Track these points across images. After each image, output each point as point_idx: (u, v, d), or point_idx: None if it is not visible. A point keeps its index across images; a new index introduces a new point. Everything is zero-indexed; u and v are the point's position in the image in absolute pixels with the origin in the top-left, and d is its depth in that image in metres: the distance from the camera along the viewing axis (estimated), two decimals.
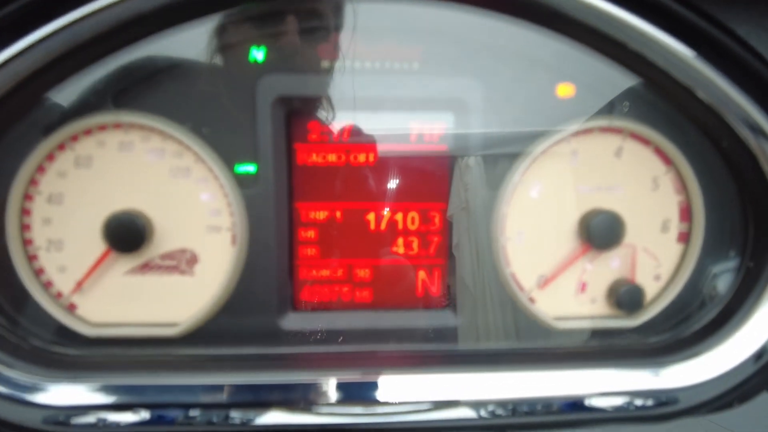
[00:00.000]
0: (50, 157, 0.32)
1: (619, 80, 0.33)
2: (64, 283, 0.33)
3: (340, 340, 0.35)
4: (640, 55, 0.30)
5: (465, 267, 0.35)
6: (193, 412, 0.32)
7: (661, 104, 0.34)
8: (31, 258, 0.33)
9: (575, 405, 0.35)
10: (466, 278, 0.35)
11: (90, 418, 0.32)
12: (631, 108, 0.35)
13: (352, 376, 0.32)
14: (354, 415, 0.33)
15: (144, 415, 0.32)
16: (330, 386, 0.32)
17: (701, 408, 0.36)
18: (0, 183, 0.32)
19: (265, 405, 0.33)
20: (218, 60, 0.32)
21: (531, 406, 0.33)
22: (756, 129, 0.30)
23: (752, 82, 0.31)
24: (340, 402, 0.32)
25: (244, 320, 0.34)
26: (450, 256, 0.35)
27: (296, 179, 0.33)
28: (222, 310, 0.34)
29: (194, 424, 0.32)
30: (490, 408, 0.34)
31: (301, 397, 0.32)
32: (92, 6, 0.27)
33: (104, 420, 0.32)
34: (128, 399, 0.32)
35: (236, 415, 0.32)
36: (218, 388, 0.32)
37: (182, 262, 0.33)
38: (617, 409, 0.34)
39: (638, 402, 0.34)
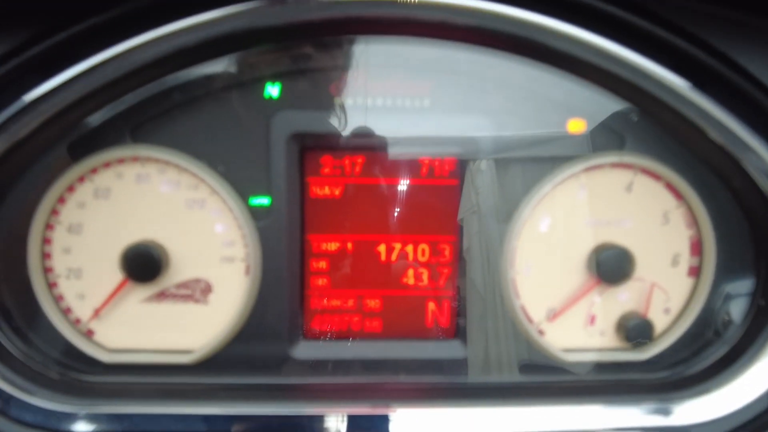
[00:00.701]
0: (71, 188, 0.33)
1: (631, 117, 0.34)
2: (82, 310, 0.34)
3: (347, 370, 0.35)
4: (649, 94, 0.30)
5: (474, 299, 0.36)
6: None
7: (672, 141, 0.34)
8: (51, 285, 0.34)
9: None
10: (476, 311, 0.35)
11: None
12: (639, 121, 0.35)
13: (362, 409, 0.32)
14: None
15: None
16: (339, 419, 0.32)
17: None
18: (23, 213, 0.33)
19: None
20: (234, 95, 0.33)
21: None
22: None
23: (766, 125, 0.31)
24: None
25: (257, 348, 0.35)
26: (458, 290, 0.36)
27: (308, 212, 0.34)
28: (235, 338, 0.34)
29: None
30: None
31: (311, 430, 0.33)
32: (121, 47, 0.28)
33: None
34: (143, 427, 0.33)
35: None
36: (229, 419, 0.32)
37: (197, 291, 0.34)
38: None
39: None
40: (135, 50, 0.28)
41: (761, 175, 0.31)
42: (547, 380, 0.36)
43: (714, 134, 0.31)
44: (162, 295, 0.34)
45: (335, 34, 0.32)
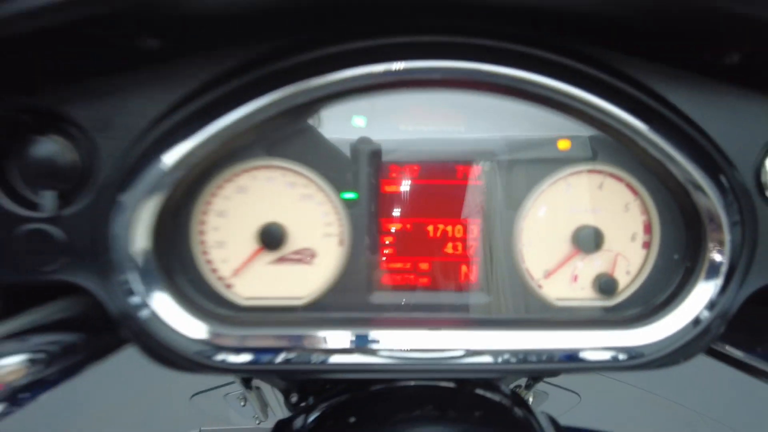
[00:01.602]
0: (220, 186, 0.47)
1: (602, 139, 0.48)
2: (225, 271, 0.48)
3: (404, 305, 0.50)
4: (614, 128, 0.44)
5: (493, 263, 0.50)
6: (312, 356, 0.48)
7: (630, 156, 0.48)
8: (204, 253, 0.48)
9: (571, 357, 0.48)
10: (494, 271, 0.50)
11: (244, 356, 0.46)
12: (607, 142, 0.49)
13: (417, 332, 0.47)
14: (417, 358, 0.47)
15: (283, 355, 0.47)
16: (401, 338, 0.47)
17: (659, 361, 0.50)
18: (189, 203, 0.47)
19: (355, 350, 0.47)
20: (332, 126, 0.47)
21: (537, 356, 0.48)
22: (692, 183, 0.44)
23: (692, 147, 0.45)
24: (408, 350, 0.48)
25: (346, 296, 0.49)
26: (482, 257, 0.50)
27: (381, 203, 0.48)
28: (331, 289, 0.48)
29: (309, 363, 0.48)
30: (506, 356, 0.48)
31: (380, 346, 0.47)
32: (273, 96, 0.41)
33: (256, 357, 0.46)
34: (267, 344, 0.47)
35: (335, 359, 0.48)
36: (326, 338, 0.47)
37: (306, 256, 0.48)
38: (601, 360, 0.48)
39: (616, 355, 0.48)
40: (285, 99, 0.42)
41: (685, 181, 0.45)
42: (543, 317, 0.50)
43: (656, 154, 0.45)
44: (281, 260, 0.48)
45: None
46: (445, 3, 0.41)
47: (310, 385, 0.91)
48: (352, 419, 0.54)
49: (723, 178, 0.46)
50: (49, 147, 0.43)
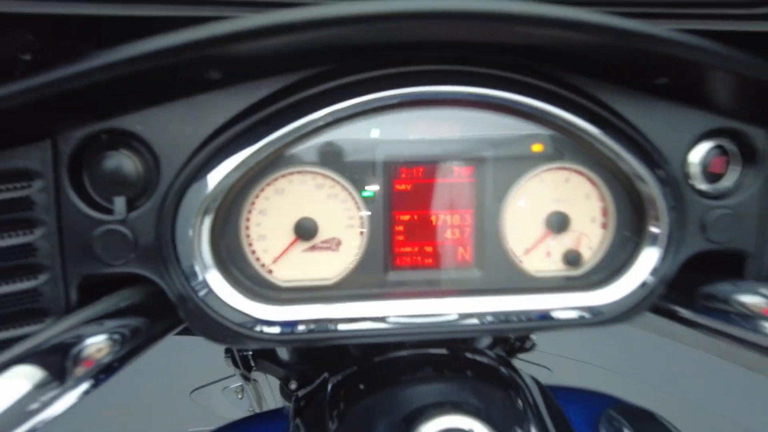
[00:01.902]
0: (262, 189, 0.55)
1: (567, 142, 0.60)
2: (267, 258, 0.56)
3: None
4: (574, 133, 0.56)
5: (483, 244, 0.61)
6: (338, 325, 0.57)
7: (589, 155, 0.60)
8: (249, 245, 0.57)
9: (544, 316, 0.58)
10: (485, 251, 0.61)
11: (282, 328, 0.55)
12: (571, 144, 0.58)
13: (422, 302, 0.57)
14: (421, 323, 0.56)
15: (314, 326, 0.56)
16: (409, 307, 0.56)
17: (615, 318, 0.62)
18: (237, 204, 0.54)
19: (373, 319, 0.56)
20: (353, 137, 0.56)
21: (518, 316, 0.58)
22: (637, 176, 0.54)
23: (635, 147, 0.57)
24: (414, 315, 0.56)
25: (366, 276, 0.57)
26: (475, 239, 0.61)
27: (393, 199, 0.56)
28: (354, 271, 0.57)
29: (336, 331, 0.56)
30: (492, 318, 0.57)
31: (392, 314, 0.56)
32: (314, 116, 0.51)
33: (292, 328, 0.56)
34: (301, 317, 0.56)
35: (356, 325, 0.56)
36: (348, 311, 0.56)
37: (333, 244, 0.57)
38: (569, 318, 0.58)
39: (581, 314, 0.59)
40: (317, 120, 0.51)
41: (631, 174, 0.55)
42: (523, 285, 0.60)
43: (609, 153, 0.56)
44: (313, 248, 0.57)
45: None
46: (444, 44, 0.52)
47: (311, 372, 1.00)
48: (362, 386, 0.65)
49: (660, 172, 0.57)
50: (120, 161, 0.50)
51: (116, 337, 0.49)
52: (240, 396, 1.61)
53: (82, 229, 0.50)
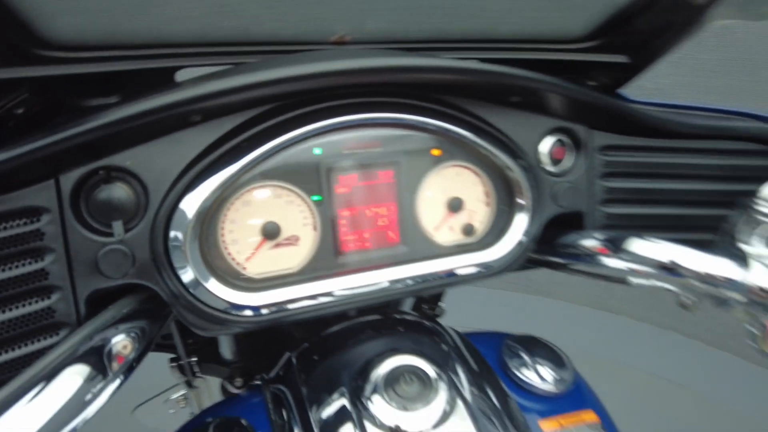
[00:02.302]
0: (233, 203, 0.65)
1: (456, 146, 0.80)
2: (241, 258, 0.65)
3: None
4: (460, 140, 0.76)
5: (406, 227, 0.80)
6: (302, 302, 0.72)
7: (473, 154, 0.81)
8: (225, 248, 0.67)
9: (451, 274, 0.72)
10: (407, 231, 0.80)
11: (254, 311, 0.67)
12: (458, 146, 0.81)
13: (363, 275, 0.70)
14: (362, 292, 0.69)
15: (285, 305, 0.70)
16: (354, 280, 0.69)
17: (501, 269, 0.83)
18: (214, 216, 0.64)
19: (326, 294, 0.68)
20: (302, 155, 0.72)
21: (432, 277, 0.71)
22: (506, 166, 0.71)
23: (502, 145, 0.79)
24: (357, 287, 0.68)
25: (321, 262, 0.68)
26: (399, 224, 0.80)
27: (336, 200, 0.67)
28: (312, 259, 0.68)
29: (302, 308, 0.70)
30: (410, 282, 0.71)
31: (341, 287, 0.70)
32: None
33: (257, 310, 0.68)
34: (267, 301, 0.68)
35: (315, 301, 0.71)
36: (309, 290, 0.72)
37: (293, 240, 0.66)
38: (470, 273, 0.73)
39: (478, 269, 0.74)
40: (277, 145, 0.66)
41: (502, 165, 0.74)
42: (435, 253, 0.72)
43: (485, 152, 0.76)
44: (277, 245, 0.66)
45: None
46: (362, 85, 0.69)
47: (253, 367, 1.13)
48: (318, 356, 0.81)
49: (520, 161, 0.77)
50: (115, 192, 0.58)
51: (133, 335, 0.61)
52: (183, 405, 1.67)
53: (87, 251, 0.61)
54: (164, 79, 0.70)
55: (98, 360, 0.54)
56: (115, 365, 0.55)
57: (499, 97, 0.71)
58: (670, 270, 0.65)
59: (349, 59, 0.58)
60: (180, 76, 0.71)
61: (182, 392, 1.66)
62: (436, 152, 0.73)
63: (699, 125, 0.78)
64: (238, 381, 1.17)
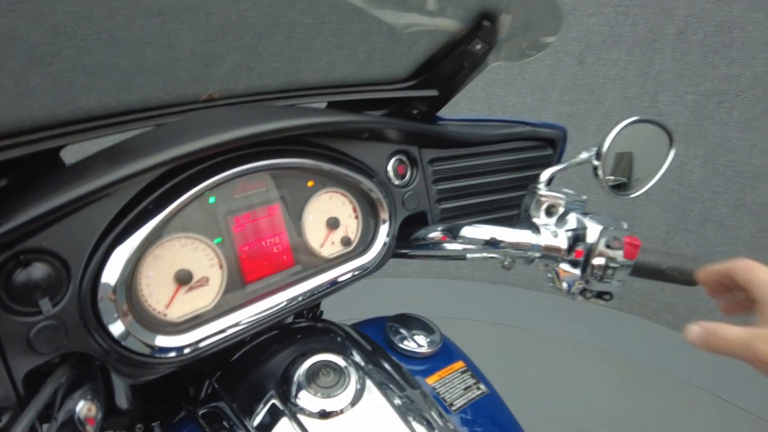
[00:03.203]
0: (146, 259, 0.73)
1: (328, 176, 0.98)
2: (160, 306, 0.69)
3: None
4: (329, 173, 0.93)
5: (297, 249, 0.95)
6: (217, 336, 0.82)
7: (341, 181, 0.99)
8: (146, 301, 0.72)
9: (334, 283, 0.83)
10: (299, 254, 0.95)
11: (172, 353, 0.74)
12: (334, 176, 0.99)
13: (266, 300, 0.81)
14: (264, 315, 0.77)
15: (203, 341, 0.80)
16: (258, 306, 0.81)
17: (374, 268, 1.00)
18: (132, 275, 0.69)
19: (232, 326, 0.78)
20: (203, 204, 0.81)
21: (320, 288, 0.81)
22: (367, 187, 0.89)
23: (361, 171, 0.99)
24: (261, 312, 0.79)
25: (232, 295, 0.76)
26: (291, 247, 0.94)
27: (235, 239, 0.76)
28: (222, 294, 0.77)
29: (219, 340, 0.81)
30: (301, 298, 0.81)
31: (248, 314, 0.83)
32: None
33: (180, 350, 0.76)
34: (189, 340, 0.77)
35: (227, 332, 0.81)
36: (223, 323, 0.83)
37: (204, 281, 0.74)
38: (349, 278, 0.84)
39: (355, 273, 0.86)
40: (179, 203, 0.74)
41: (365, 188, 0.92)
42: (324, 266, 0.87)
43: (349, 179, 0.93)
44: (191, 288, 0.76)
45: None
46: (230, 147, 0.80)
47: (154, 409, 1.17)
48: (234, 378, 0.91)
49: (375, 181, 0.97)
50: (36, 272, 0.59)
51: (89, 397, 0.65)
52: None
53: (18, 335, 0.63)
54: (50, 158, 0.73)
55: (74, 429, 0.59)
56: (89, 428, 0.60)
57: (353, 135, 0.90)
58: (492, 244, 0.91)
59: (242, 128, 0.71)
60: (65, 151, 0.75)
61: None
62: (311, 183, 0.84)
63: (493, 134, 1.07)
64: (140, 427, 1.18)
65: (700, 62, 2.50)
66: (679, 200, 2.32)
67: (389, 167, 0.94)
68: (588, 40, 2.61)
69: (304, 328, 0.90)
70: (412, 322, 0.99)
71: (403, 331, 0.96)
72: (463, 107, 2.40)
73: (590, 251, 0.76)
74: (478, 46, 0.88)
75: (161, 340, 0.75)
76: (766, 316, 0.53)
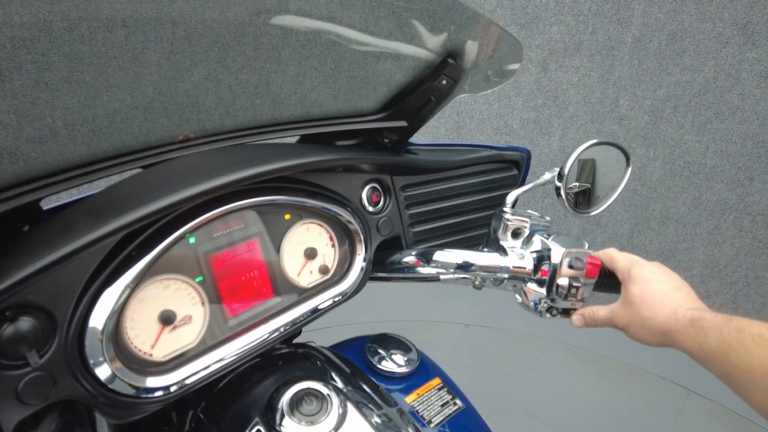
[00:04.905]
0: (129, 303, 0.77)
1: (304, 209, 1.01)
2: (146, 348, 0.71)
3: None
4: (306, 207, 0.97)
5: (277, 281, 0.98)
6: (202, 372, 0.85)
7: (318, 213, 1.02)
8: (132, 343, 0.74)
9: (315, 310, 0.85)
10: (279, 285, 0.98)
11: (159, 392, 0.77)
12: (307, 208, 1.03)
13: (250, 332, 0.84)
14: (246, 350, 0.81)
15: (189, 378, 0.83)
16: (242, 340, 0.85)
17: (354, 293, 1.06)
18: (117, 321, 0.71)
19: (216, 362, 0.79)
20: (182, 244, 0.84)
21: (302, 317, 0.84)
22: (344, 218, 0.93)
23: (337, 202, 1.02)
24: (243, 347, 0.83)
25: (215, 330, 0.81)
26: (271, 280, 0.97)
27: (215, 276, 0.79)
28: (206, 331, 0.81)
29: (203, 376, 0.85)
30: (283, 329, 0.83)
31: (232, 349, 0.87)
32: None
33: (167, 389, 0.79)
34: (176, 379, 0.81)
35: (212, 367, 0.86)
36: (208, 360, 0.86)
37: (187, 320, 0.75)
38: (329, 305, 0.86)
39: (335, 300, 0.90)
40: (160, 251, 0.76)
41: (343, 219, 0.93)
42: (303, 296, 0.91)
43: (325, 211, 0.95)
44: (174, 327, 0.80)
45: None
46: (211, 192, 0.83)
47: None
48: (219, 407, 0.94)
49: (350, 210, 1.01)
50: (22, 326, 0.59)
51: None
52: None
53: (7, 389, 0.64)
54: (30, 208, 0.75)
55: None
56: None
57: (329, 169, 0.94)
58: (463, 268, 0.96)
59: (223, 176, 0.74)
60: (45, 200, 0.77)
61: None
62: (288, 216, 0.86)
63: (460, 159, 1.12)
64: None
65: (656, 69, 2.62)
66: (641, 200, 2.43)
67: (363, 196, 0.96)
68: (551, 48, 2.71)
69: (285, 355, 0.92)
70: (388, 342, 1.03)
71: (381, 351, 1.00)
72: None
73: (555, 272, 0.82)
74: (444, 82, 0.94)
75: (148, 381, 0.75)
76: (623, 297, 0.74)
